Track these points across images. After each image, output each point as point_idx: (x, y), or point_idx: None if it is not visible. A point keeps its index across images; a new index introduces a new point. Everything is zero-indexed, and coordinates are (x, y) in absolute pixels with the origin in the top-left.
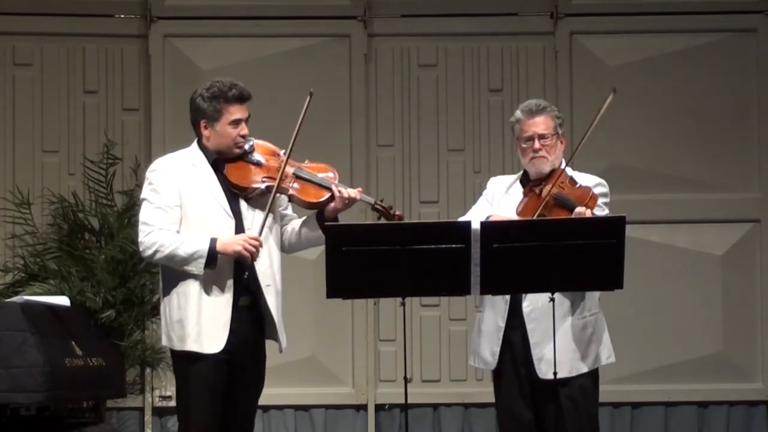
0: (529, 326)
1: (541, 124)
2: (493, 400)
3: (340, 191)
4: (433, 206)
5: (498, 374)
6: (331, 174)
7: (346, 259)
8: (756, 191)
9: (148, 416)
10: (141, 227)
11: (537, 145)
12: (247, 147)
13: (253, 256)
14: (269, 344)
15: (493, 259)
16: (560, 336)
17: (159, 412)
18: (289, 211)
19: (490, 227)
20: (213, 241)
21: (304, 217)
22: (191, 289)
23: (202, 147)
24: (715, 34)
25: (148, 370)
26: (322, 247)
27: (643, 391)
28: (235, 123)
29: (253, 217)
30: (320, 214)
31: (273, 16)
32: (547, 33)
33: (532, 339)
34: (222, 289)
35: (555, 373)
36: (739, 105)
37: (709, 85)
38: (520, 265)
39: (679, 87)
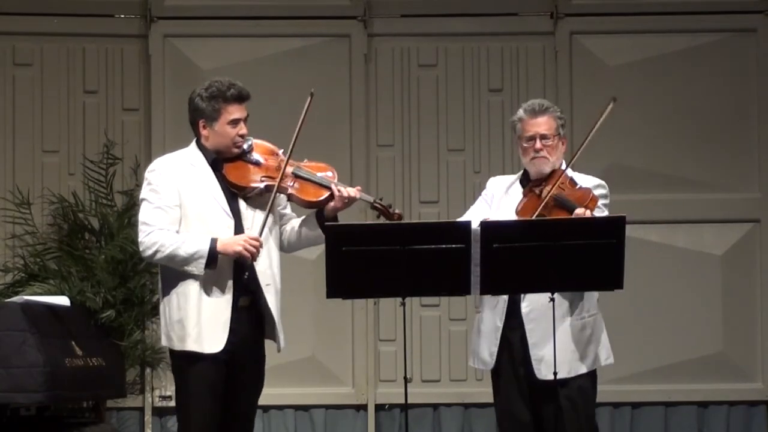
0: (527, 326)
1: (543, 125)
2: (493, 400)
3: (339, 190)
4: (433, 206)
5: (496, 374)
6: (330, 173)
7: (346, 259)
8: (756, 191)
9: (148, 416)
10: (141, 227)
11: (538, 145)
12: (245, 146)
13: (254, 256)
14: (269, 344)
15: (493, 259)
16: (559, 336)
17: (159, 412)
18: (288, 210)
19: (490, 227)
20: (213, 241)
21: (303, 217)
22: (191, 289)
23: (201, 147)
24: (715, 34)
25: (148, 370)
26: (322, 247)
27: (643, 391)
28: (234, 123)
29: (252, 217)
30: (320, 213)
31: (273, 16)
32: (547, 33)
33: (531, 339)
34: (222, 289)
35: (555, 373)
36: (739, 105)
37: (709, 85)
38: (521, 265)
39: (679, 87)
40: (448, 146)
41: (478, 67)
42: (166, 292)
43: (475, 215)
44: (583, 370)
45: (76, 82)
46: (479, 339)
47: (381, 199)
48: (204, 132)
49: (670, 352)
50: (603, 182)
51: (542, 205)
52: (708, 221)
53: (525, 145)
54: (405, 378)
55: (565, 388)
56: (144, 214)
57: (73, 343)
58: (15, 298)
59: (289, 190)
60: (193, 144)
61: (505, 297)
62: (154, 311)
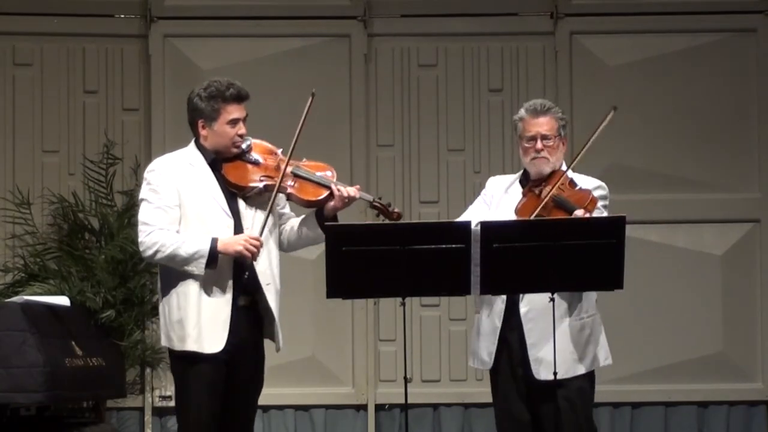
0: (526, 327)
1: (544, 125)
2: (492, 400)
3: (339, 189)
4: (433, 206)
5: (495, 374)
6: (329, 173)
7: (346, 259)
8: (756, 191)
9: (148, 416)
10: (141, 227)
11: (539, 145)
12: (244, 146)
13: (254, 256)
14: (268, 344)
15: (493, 259)
16: (558, 337)
17: (159, 412)
18: (287, 209)
19: (490, 227)
20: (214, 240)
21: (303, 216)
22: (191, 289)
23: (200, 147)
24: (715, 34)
25: (148, 370)
26: (322, 247)
27: (643, 391)
28: (233, 122)
29: (251, 217)
30: (319, 212)
31: (273, 16)
32: (547, 33)
33: (529, 340)
34: (221, 289)
35: (555, 374)
36: (739, 105)
37: (709, 85)
38: (520, 265)
39: (679, 87)
40: (448, 146)
41: (478, 67)
42: (166, 292)
43: (473, 215)
44: (581, 370)
45: (76, 82)
46: (478, 339)
47: (380, 198)
48: (203, 132)
49: (670, 352)
50: (603, 183)
51: (541, 205)
52: (708, 221)
53: (526, 144)
54: (405, 378)
55: (564, 388)
56: (144, 214)
57: (73, 343)
58: (15, 298)
59: (289, 190)
60: (192, 144)
61: (504, 297)
62: (154, 311)
